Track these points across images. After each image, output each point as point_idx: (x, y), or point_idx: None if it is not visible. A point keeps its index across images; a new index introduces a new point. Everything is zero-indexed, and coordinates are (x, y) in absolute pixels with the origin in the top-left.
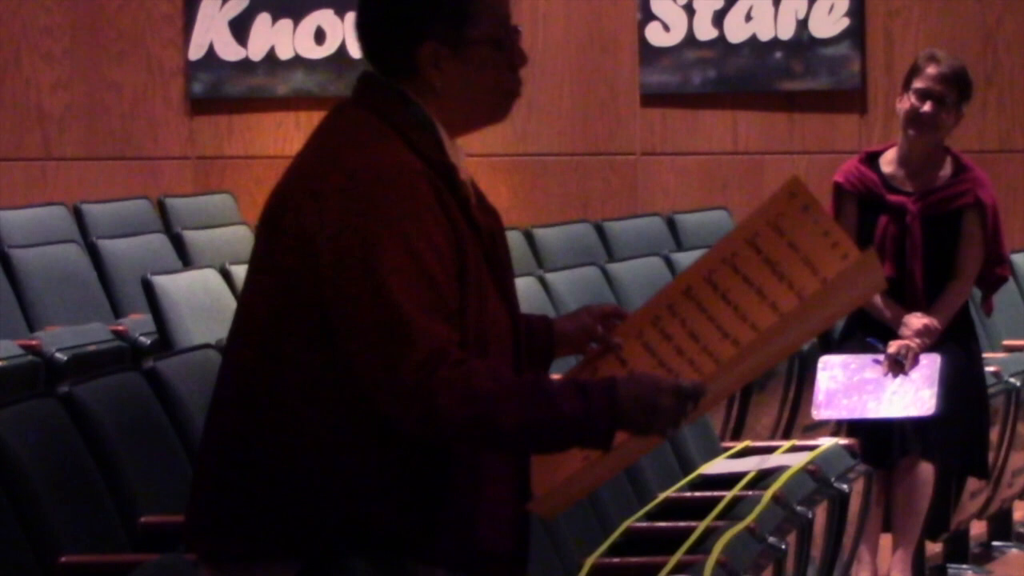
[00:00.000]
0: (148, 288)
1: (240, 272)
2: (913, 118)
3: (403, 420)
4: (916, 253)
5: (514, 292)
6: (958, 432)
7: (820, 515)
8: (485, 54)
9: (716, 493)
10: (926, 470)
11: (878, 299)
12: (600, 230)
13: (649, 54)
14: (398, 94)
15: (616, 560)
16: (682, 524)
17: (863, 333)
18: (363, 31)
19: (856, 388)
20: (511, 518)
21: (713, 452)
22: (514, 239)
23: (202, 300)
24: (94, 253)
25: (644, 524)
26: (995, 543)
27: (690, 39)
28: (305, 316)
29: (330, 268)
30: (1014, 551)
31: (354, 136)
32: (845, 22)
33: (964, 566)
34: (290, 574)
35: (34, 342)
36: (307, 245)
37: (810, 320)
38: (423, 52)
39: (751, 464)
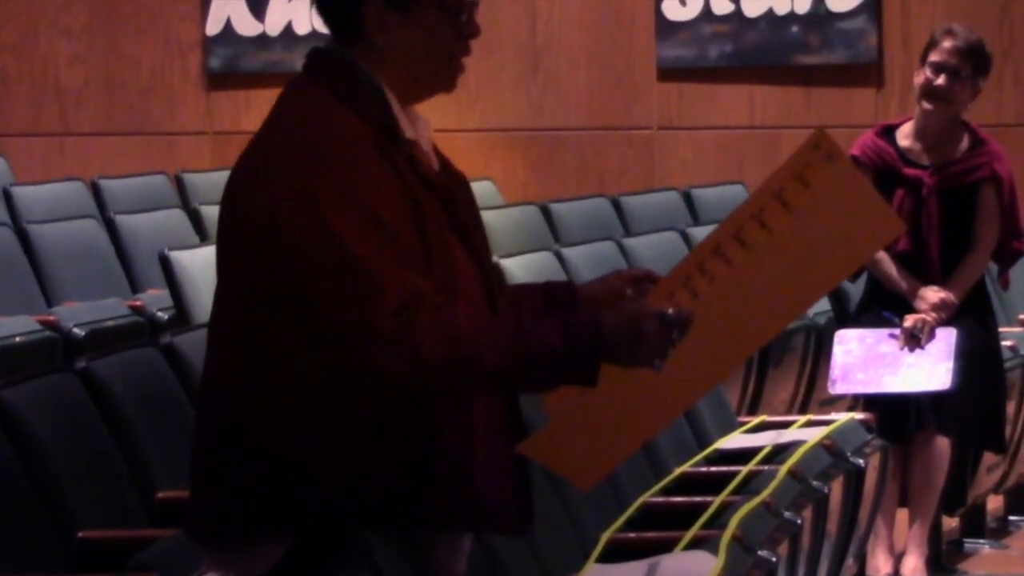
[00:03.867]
0: (165, 263)
1: None
2: (928, 91)
3: (388, 371)
4: (932, 227)
5: (485, 247)
6: (975, 406)
7: (836, 490)
8: (431, 16)
9: (732, 468)
10: (942, 444)
11: (894, 272)
12: (617, 205)
13: (666, 28)
14: (345, 62)
15: (632, 535)
16: (698, 499)
17: (879, 307)
18: None
19: (872, 362)
20: (510, 469)
21: (729, 427)
22: (531, 214)
23: None
24: (112, 228)
25: (660, 499)
26: (1012, 517)
27: (707, 13)
28: (276, 291)
29: (288, 235)
30: None
31: (296, 109)
32: None
33: (981, 541)
34: (281, 550)
35: (52, 317)
36: (262, 218)
37: (806, 252)
38: (367, 11)
39: (767, 439)
